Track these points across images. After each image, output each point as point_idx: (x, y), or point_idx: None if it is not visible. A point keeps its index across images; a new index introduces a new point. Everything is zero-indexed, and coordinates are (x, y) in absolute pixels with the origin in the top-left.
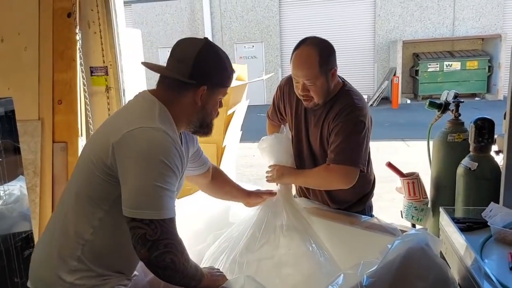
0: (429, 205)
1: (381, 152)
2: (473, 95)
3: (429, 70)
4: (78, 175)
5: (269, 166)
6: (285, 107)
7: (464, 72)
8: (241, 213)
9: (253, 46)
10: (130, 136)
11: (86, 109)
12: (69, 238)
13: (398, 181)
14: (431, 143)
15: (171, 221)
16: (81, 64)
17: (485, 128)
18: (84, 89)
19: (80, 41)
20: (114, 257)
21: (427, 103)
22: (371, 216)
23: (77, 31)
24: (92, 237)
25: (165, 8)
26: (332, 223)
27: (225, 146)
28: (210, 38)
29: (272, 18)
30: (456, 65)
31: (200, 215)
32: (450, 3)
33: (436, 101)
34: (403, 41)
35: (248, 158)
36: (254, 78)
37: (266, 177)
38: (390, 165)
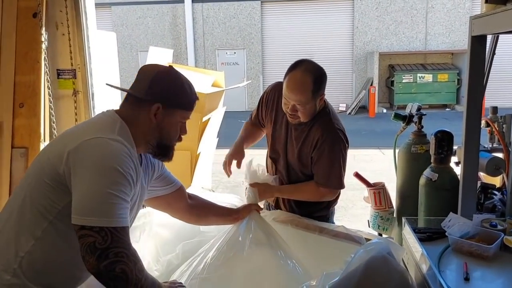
0: (394, 215)
1: (357, 160)
2: (444, 106)
3: (403, 81)
4: (27, 182)
5: (250, 185)
6: (267, 113)
7: (435, 84)
8: None
9: (234, 52)
10: (87, 145)
11: (50, 113)
12: (8, 248)
13: (365, 189)
14: (397, 153)
15: (124, 230)
16: (46, 66)
17: (444, 140)
18: (48, 93)
19: (46, 42)
20: (55, 276)
21: (393, 115)
22: (333, 222)
23: (43, 32)
24: (32, 249)
25: (146, 11)
26: (302, 232)
27: (199, 153)
28: (191, 44)
29: (254, 26)
30: (429, 77)
31: (169, 223)
32: (423, 19)
33: (401, 113)
34: (379, 52)
35: None
36: (236, 85)
37: (247, 198)
38: (357, 175)
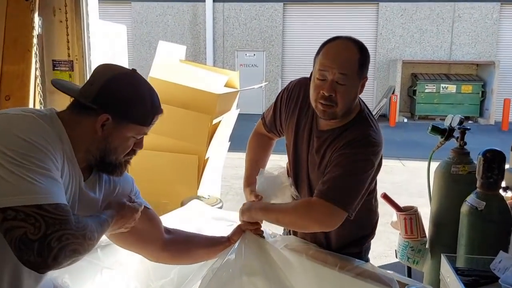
0: (427, 245)
1: None
2: (467, 118)
3: (426, 90)
4: None
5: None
6: (288, 114)
7: (459, 95)
8: None
9: (254, 54)
10: None
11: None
12: None
13: (393, 211)
14: (431, 172)
15: (59, 207)
16: (36, 55)
17: (495, 162)
18: (39, 85)
19: (40, 29)
20: None
21: (430, 128)
22: (367, 260)
23: (35, 16)
24: None
25: (166, 9)
26: (317, 265)
27: (208, 158)
28: (210, 44)
29: (275, 28)
30: (452, 88)
31: None
32: (448, 28)
33: (440, 126)
34: (402, 60)
35: (238, 169)
36: (251, 86)
37: (239, 213)
38: (385, 196)
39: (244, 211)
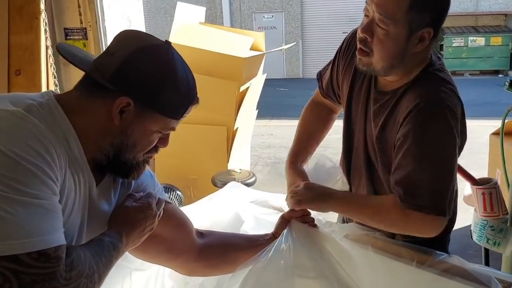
0: (508, 223)
1: None
2: (496, 72)
3: (453, 45)
4: None
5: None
6: (344, 69)
7: (488, 48)
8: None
9: (272, 16)
10: None
11: (54, 83)
12: None
13: (465, 185)
14: (495, 137)
15: (43, 256)
16: (45, 23)
17: None
18: (51, 57)
19: None
20: None
21: (508, 84)
22: (447, 253)
23: None
24: None
25: None
26: (388, 260)
27: (237, 129)
28: (227, 7)
29: None
30: (481, 40)
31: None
32: None
33: None
34: None
35: (265, 137)
36: (277, 48)
37: (290, 197)
38: (459, 168)
39: (311, 198)
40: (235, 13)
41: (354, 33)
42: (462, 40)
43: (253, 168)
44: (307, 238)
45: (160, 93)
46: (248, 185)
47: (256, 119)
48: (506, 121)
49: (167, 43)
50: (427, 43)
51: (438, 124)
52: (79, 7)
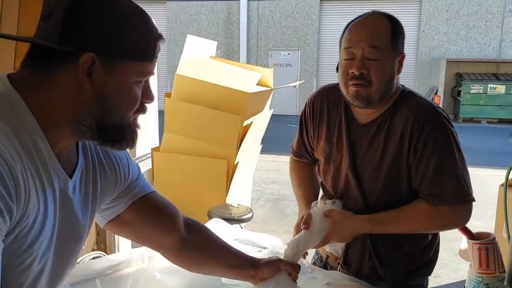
0: (505, 282)
1: None
2: None
3: (472, 91)
4: None
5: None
6: (315, 127)
7: (509, 96)
8: None
9: (288, 53)
10: None
11: None
12: None
13: (462, 238)
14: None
15: None
16: None
17: None
18: None
19: None
20: None
21: None
22: None
23: None
24: None
25: (201, 8)
26: None
27: (238, 163)
28: (244, 43)
29: (311, 26)
30: (501, 88)
31: (179, 270)
32: (498, 24)
33: None
34: (447, 59)
35: (271, 173)
36: (286, 85)
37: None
38: None
39: (342, 224)
40: (252, 50)
41: (312, 99)
42: (481, 87)
43: (255, 203)
44: None
45: (120, 37)
46: (244, 220)
47: (265, 154)
48: None
49: None
50: (402, 66)
51: (444, 125)
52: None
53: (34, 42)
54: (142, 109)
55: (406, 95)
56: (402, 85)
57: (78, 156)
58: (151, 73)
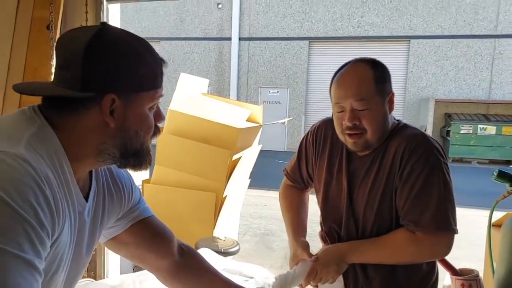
0: None
1: None
2: (508, 162)
3: (461, 131)
4: None
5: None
6: (317, 155)
7: (499, 137)
8: None
9: (278, 91)
10: None
11: None
12: None
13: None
14: (494, 229)
15: None
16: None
17: None
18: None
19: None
20: None
21: (496, 174)
22: None
23: (54, 45)
24: None
25: (193, 47)
26: None
27: (226, 196)
28: (235, 81)
29: (300, 66)
30: (491, 129)
31: None
32: (488, 65)
33: (509, 172)
34: (435, 99)
35: (258, 207)
36: (274, 121)
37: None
38: (441, 259)
39: (328, 259)
40: (242, 87)
41: (317, 128)
42: (471, 128)
43: (242, 237)
44: None
45: (133, 74)
46: (231, 253)
47: (252, 189)
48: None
49: (103, 24)
50: (394, 103)
51: (434, 155)
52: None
53: (62, 95)
54: (157, 131)
55: (401, 127)
56: (396, 120)
57: (91, 181)
58: (161, 95)
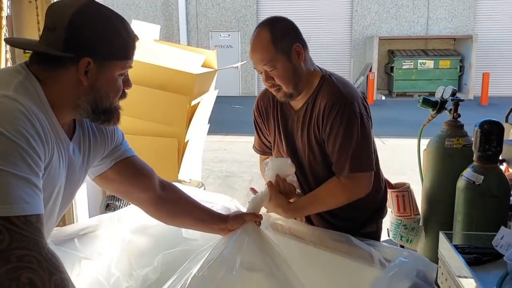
0: (420, 223)
1: None
2: None
3: (403, 67)
4: None
5: (267, 184)
6: (265, 124)
7: (437, 71)
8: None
9: (229, 35)
10: None
11: None
12: None
13: None
14: (422, 147)
15: (28, 222)
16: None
17: (493, 134)
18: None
19: (8, 9)
20: None
21: (421, 101)
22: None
23: None
24: None
25: None
26: (312, 248)
27: (188, 141)
28: (184, 25)
29: (250, 8)
30: (430, 63)
31: (145, 230)
32: (424, 2)
33: (431, 98)
34: (379, 37)
35: (218, 152)
36: (229, 65)
37: (248, 203)
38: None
39: (276, 206)
40: (192, 32)
41: (257, 102)
42: (412, 63)
43: (205, 180)
44: (260, 239)
45: (109, 43)
46: None
47: (211, 134)
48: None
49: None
50: (304, 54)
51: (351, 111)
52: (38, 23)
53: (43, 52)
54: (124, 95)
55: (326, 79)
56: (320, 69)
57: (75, 127)
58: (131, 66)
